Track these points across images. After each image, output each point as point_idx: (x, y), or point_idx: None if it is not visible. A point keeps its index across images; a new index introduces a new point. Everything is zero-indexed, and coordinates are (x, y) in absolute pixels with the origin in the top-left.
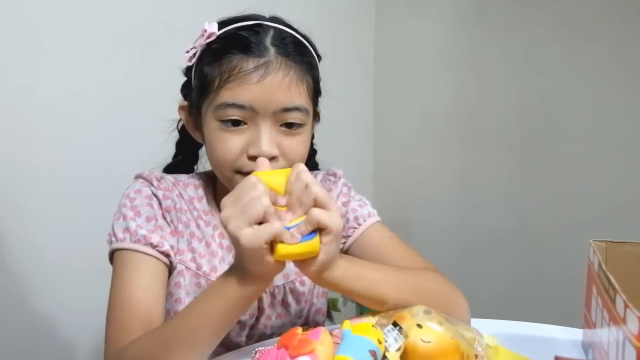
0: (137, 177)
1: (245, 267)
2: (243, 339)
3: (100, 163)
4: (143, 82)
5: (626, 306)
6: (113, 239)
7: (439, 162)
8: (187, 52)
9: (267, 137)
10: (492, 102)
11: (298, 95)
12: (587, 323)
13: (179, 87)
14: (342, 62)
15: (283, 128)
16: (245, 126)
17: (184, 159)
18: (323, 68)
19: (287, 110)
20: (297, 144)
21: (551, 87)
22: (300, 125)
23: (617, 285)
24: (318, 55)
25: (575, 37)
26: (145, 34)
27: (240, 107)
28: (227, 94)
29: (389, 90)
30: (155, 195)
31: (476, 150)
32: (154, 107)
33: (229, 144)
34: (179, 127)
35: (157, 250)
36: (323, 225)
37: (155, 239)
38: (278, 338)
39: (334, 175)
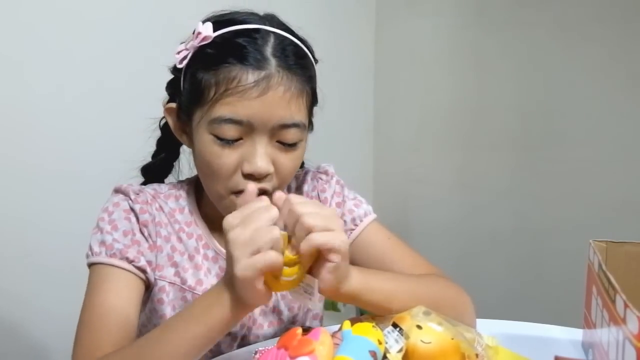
0: (116, 190)
1: (234, 289)
2: (235, 350)
3: (101, 162)
4: (144, 81)
5: (626, 306)
6: (89, 252)
7: (439, 162)
8: (178, 53)
9: (264, 154)
10: (493, 102)
11: (297, 111)
12: (587, 323)
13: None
14: (342, 62)
15: (278, 144)
16: (241, 141)
17: (164, 159)
18: (323, 68)
19: (285, 126)
20: (291, 161)
21: (552, 87)
22: (296, 142)
23: (617, 285)
24: (315, 59)
25: (576, 37)
26: (147, 32)
27: (238, 122)
28: (225, 109)
29: (389, 90)
30: (133, 209)
31: (476, 150)
32: (156, 107)
33: (224, 160)
34: (161, 125)
35: (134, 266)
36: (329, 248)
37: (131, 253)
38: (278, 338)
39: (325, 173)
